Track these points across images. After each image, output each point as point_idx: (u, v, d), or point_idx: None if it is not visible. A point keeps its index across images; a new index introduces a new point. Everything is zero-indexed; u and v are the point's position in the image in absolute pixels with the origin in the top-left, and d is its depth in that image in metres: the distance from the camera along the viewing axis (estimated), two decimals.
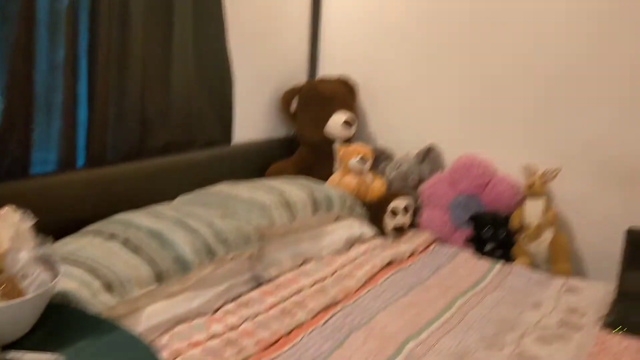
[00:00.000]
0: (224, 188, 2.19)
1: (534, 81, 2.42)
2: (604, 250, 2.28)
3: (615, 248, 2.14)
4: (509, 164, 2.46)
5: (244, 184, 2.24)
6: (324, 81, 2.79)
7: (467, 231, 2.48)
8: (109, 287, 1.49)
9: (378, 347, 1.60)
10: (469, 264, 2.27)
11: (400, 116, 2.78)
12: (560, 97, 2.37)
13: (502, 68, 2.49)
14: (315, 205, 2.21)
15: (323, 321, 1.74)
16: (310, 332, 1.67)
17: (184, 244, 1.70)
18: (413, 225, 2.58)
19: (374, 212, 2.48)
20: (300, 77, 2.88)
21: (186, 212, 1.90)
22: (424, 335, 1.69)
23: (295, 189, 2.21)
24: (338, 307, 1.83)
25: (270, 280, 1.94)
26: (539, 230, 2.31)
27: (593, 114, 2.31)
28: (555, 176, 2.32)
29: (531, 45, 2.40)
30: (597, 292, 2.06)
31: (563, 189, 2.36)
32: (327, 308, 1.82)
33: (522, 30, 2.42)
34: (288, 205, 2.09)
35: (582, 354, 1.64)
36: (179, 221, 1.80)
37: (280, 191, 2.15)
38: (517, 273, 2.21)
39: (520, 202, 2.40)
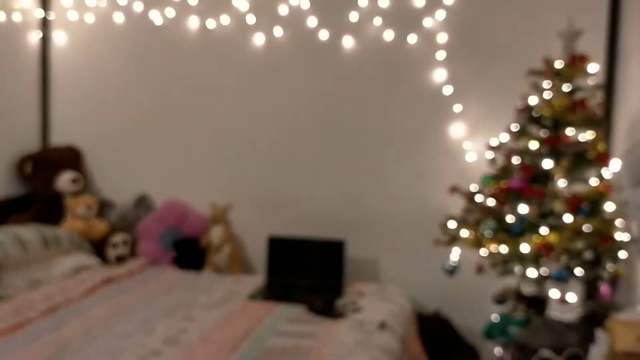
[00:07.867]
0: None
1: (214, 149, 3.46)
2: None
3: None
4: (200, 201, 3.41)
5: None
6: (53, 149, 3.49)
7: (172, 254, 3.34)
8: None
9: (84, 325, 2.35)
10: (171, 276, 3.13)
11: (119, 173, 3.59)
12: (231, 154, 3.42)
13: (194, 136, 3.47)
14: (46, 242, 2.88)
15: (48, 317, 2.42)
16: (38, 323, 2.35)
17: None
18: (133, 255, 3.36)
19: (99, 246, 3.21)
20: (33, 145, 3.53)
21: None
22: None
23: (27, 231, 2.86)
24: (61, 308, 2.53)
25: (8, 297, 2.55)
26: (220, 246, 3.27)
27: (250, 163, 3.39)
28: (229, 208, 3.32)
29: (200, 114, 3.44)
30: (254, 281, 3.07)
31: (234, 215, 3.36)
32: (51, 310, 2.50)
33: (197, 101, 3.45)
34: (21, 242, 2.74)
35: (227, 313, 2.58)
36: None
37: (14, 232, 2.79)
38: (204, 276, 3.14)
39: (208, 228, 3.35)
